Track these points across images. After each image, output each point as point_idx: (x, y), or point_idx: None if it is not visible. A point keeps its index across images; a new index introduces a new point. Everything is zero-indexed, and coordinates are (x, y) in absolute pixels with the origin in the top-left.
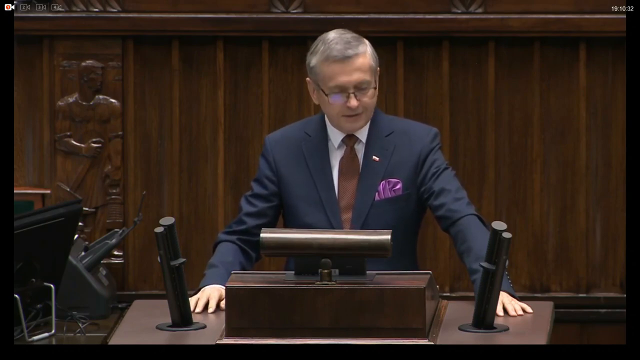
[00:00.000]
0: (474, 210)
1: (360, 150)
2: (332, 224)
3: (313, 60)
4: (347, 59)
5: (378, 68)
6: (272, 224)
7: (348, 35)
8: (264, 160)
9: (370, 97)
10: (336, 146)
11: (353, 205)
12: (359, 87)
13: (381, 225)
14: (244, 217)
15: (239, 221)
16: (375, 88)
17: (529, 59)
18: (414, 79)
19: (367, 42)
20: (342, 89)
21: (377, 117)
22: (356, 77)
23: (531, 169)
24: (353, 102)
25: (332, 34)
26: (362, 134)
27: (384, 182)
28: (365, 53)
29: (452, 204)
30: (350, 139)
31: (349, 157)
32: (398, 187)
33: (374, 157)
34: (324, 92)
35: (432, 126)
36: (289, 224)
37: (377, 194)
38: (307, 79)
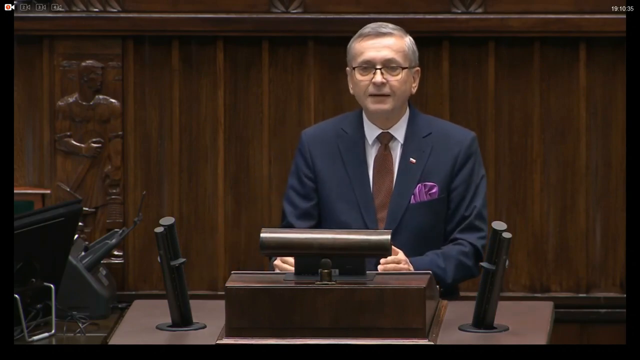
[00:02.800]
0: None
1: (394, 148)
2: (367, 223)
3: (350, 43)
4: (379, 34)
5: (417, 68)
6: (319, 223)
7: (389, 24)
8: (301, 156)
9: (399, 81)
10: (371, 143)
11: (388, 206)
12: (387, 65)
13: (415, 228)
14: (292, 219)
15: (288, 226)
16: (406, 69)
17: (529, 59)
18: None
19: (408, 35)
20: (370, 64)
21: (415, 116)
22: (385, 53)
23: (531, 169)
24: (378, 78)
25: (374, 22)
26: (399, 133)
27: (420, 185)
28: (401, 37)
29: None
30: (385, 137)
31: (383, 155)
32: (434, 190)
33: (411, 159)
34: (354, 68)
35: (470, 130)
36: (324, 222)
37: (413, 196)
38: (347, 68)
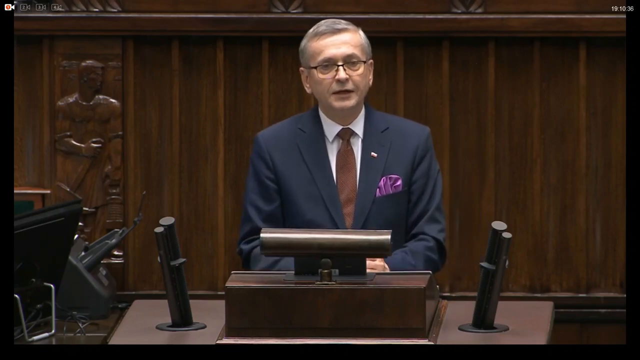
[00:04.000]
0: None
1: (355, 143)
2: (334, 219)
3: (303, 43)
4: (336, 31)
5: (371, 60)
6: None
7: (340, 20)
8: (259, 158)
9: (360, 75)
10: (331, 140)
11: (355, 200)
12: (348, 61)
13: (382, 221)
14: (259, 222)
15: (255, 229)
16: (365, 63)
17: (529, 59)
18: (414, 79)
19: (360, 28)
20: (331, 62)
21: (371, 112)
22: (344, 49)
23: (531, 169)
24: (342, 74)
25: (324, 20)
26: (358, 128)
27: (384, 178)
28: (355, 31)
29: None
30: (345, 133)
31: (346, 151)
32: (398, 183)
33: (372, 153)
34: (314, 68)
35: (426, 125)
36: (289, 222)
37: (378, 190)
38: (300, 68)
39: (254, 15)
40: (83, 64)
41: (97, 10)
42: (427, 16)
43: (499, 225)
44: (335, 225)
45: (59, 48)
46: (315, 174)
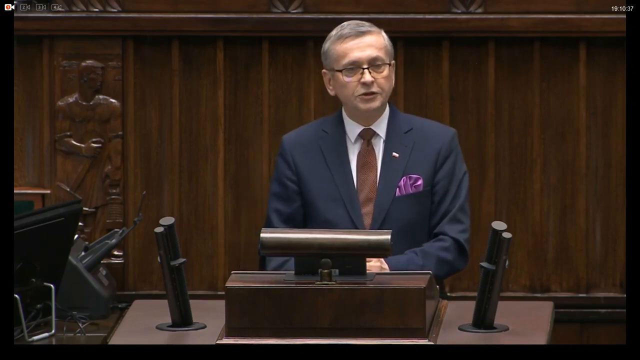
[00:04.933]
0: (462, 238)
1: (377, 144)
2: (353, 219)
3: (326, 45)
4: (360, 34)
5: (393, 61)
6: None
7: (363, 22)
8: (282, 159)
9: (385, 77)
10: (353, 140)
11: (374, 200)
12: (373, 64)
13: (402, 221)
14: (278, 224)
15: None
16: (389, 65)
17: (529, 59)
18: (414, 79)
19: (382, 31)
20: (356, 65)
21: (395, 113)
22: (369, 52)
23: (531, 169)
24: (367, 77)
25: (347, 22)
26: (381, 129)
27: (405, 178)
28: (379, 33)
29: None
30: (367, 133)
31: (366, 151)
32: (419, 183)
33: (393, 153)
34: (338, 71)
35: (450, 127)
36: (309, 222)
37: (398, 189)
38: (323, 70)
39: (254, 15)
40: (83, 64)
41: (97, 10)
42: (427, 16)
43: (499, 225)
44: (354, 225)
45: (59, 48)
46: (335, 174)
